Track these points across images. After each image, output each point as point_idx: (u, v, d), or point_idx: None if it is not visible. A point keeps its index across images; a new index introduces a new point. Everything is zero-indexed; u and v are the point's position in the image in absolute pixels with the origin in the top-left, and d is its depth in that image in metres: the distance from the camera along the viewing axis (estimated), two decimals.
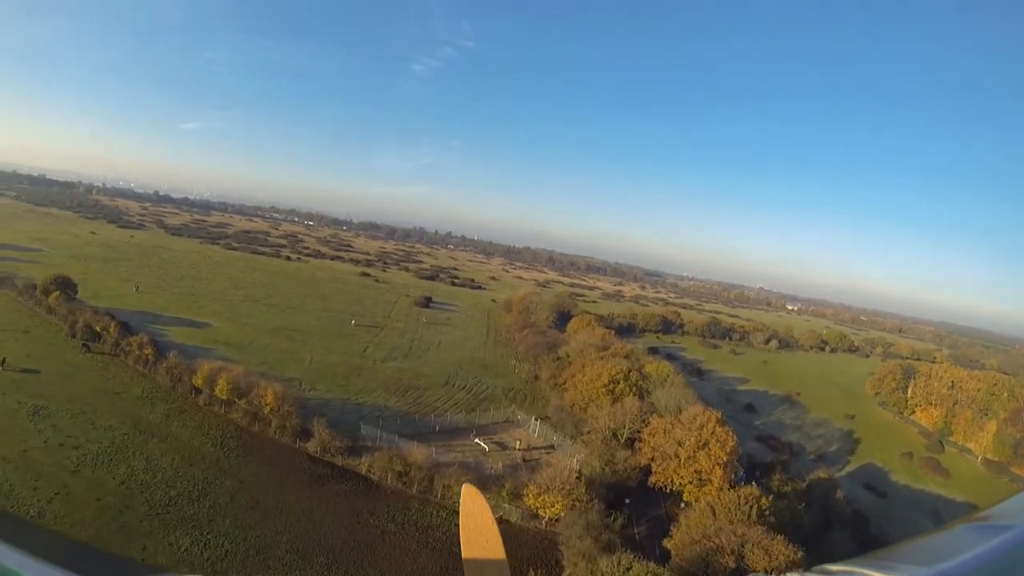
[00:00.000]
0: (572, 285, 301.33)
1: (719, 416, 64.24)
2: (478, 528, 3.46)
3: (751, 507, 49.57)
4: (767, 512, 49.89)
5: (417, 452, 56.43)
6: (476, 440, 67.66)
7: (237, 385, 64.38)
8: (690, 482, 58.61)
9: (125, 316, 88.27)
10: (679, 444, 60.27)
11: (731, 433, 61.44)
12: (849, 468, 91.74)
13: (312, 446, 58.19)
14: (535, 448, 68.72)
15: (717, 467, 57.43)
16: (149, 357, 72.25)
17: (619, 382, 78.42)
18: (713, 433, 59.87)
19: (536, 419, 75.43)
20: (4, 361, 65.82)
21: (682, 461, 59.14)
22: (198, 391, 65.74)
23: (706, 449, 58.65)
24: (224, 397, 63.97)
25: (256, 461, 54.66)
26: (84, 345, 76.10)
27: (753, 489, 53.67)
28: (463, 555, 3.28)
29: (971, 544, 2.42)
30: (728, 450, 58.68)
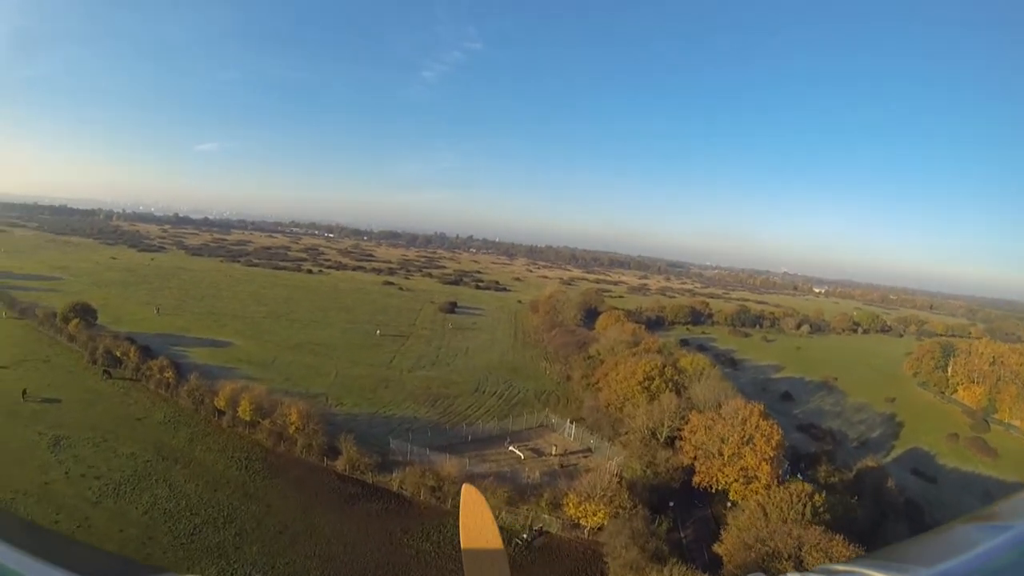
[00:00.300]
0: (597, 281, 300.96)
1: (762, 409, 62.12)
2: (478, 528, 3.40)
3: (804, 505, 47.30)
4: (821, 509, 47.59)
5: (450, 465, 55.05)
6: (510, 448, 66.17)
7: (260, 404, 63.86)
8: (736, 480, 56.58)
9: (146, 339, 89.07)
10: (722, 441, 58.44)
11: (776, 426, 59.35)
12: (894, 454, 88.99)
13: (340, 464, 57.15)
14: (572, 452, 67.23)
15: (764, 463, 55.44)
16: (170, 380, 72.36)
17: (654, 378, 76.96)
18: (757, 427, 57.96)
19: (571, 422, 74.00)
20: (25, 392, 66.48)
21: (726, 459, 57.37)
22: (221, 413, 65.44)
23: (751, 444, 56.75)
24: (247, 417, 63.46)
25: (283, 483, 53.84)
26: (105, 371, 76.68)
27: (805, 485, 51.20)
28: (463, 555, 3.19)
29: (971, 544, 2.41)
30: (774, 444, 56.65)
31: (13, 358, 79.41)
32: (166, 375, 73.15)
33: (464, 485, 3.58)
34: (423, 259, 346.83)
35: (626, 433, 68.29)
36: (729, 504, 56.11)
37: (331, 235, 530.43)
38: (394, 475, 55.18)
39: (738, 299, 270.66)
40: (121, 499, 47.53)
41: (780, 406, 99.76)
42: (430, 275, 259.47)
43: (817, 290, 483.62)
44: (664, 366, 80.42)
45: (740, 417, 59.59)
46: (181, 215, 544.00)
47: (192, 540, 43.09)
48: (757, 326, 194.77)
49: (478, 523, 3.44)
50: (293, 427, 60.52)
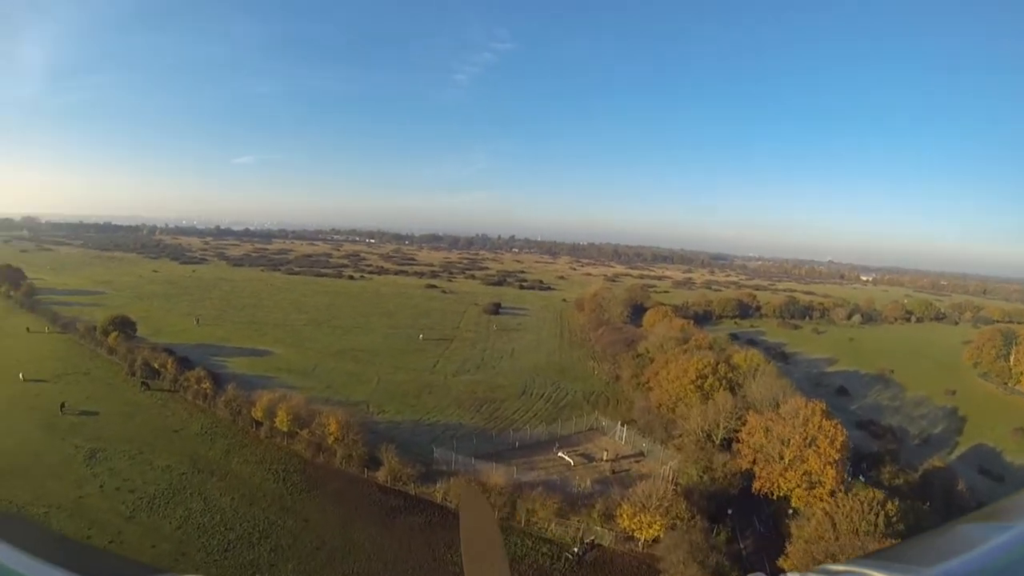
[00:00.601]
0: (641, 277, 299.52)
1: (824, 407, 58.59)
2: (478, 528, 3.50)
3: (876, 515, 43.32)
4: (894, 519, 43.64)
5: (496, 474, 52.73)
6: (559, 454, 63.80)
7: (298, 415, 62.95)
8: (798, 486, 53.12)
9: (185, 350, 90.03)
10: (783, 444, 55.26)
11: (840, 427, 55.68)
12: (958, 451, 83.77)
13: (382, 475, 55.50)
14: (623, 457, 64.72)
15: (828, 466, 51.99)
16: (207, 391, 72.42)
17: (707, 377, 74.55)
18: (820, 428, 54.51)
19: (621, 424, 71.50)
20: (63, 405, 67.44)
21: (787, 462, 54.17)
22: (258, 423, 64.88)
23: (814, 447, 53.30)
24: (285, 428, 62.65)
25: (321, 496, 52.49)
26: (143, 383, 77.45)
27: (876, 492, 47.14)
28: (463, 555, 3.26)
29: (971, 544, 2.48)
30: (839, 446, 53.10)
31: (54, 372, 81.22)
32: (203, 386, 73.27)
33: (465, 486, 6.62)
34: (465, 261, 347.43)
35: (680, 436, 66.31)
36: (790, 511, 52.89)
37: (372, 241, 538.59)
38: (438, 486, 53.15)
39: (784, 290, 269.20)
40: (155, 513, 46.92)
41: (835, 401, 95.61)
42: (473, 277, 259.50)
43: (864, 278, 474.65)
44: (717, 363, 77.84)
45: (801, 417, 56.38)
46: (223, 227, 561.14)
47: (225, 556, 41.94)
48: (806, 317, 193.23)
49: (478, 523, 3.49)
50: (332, 437, 59.32)
